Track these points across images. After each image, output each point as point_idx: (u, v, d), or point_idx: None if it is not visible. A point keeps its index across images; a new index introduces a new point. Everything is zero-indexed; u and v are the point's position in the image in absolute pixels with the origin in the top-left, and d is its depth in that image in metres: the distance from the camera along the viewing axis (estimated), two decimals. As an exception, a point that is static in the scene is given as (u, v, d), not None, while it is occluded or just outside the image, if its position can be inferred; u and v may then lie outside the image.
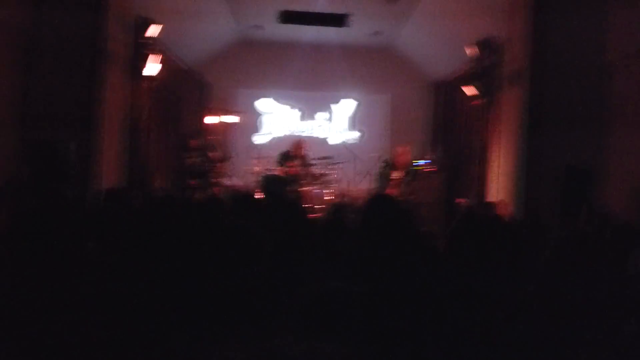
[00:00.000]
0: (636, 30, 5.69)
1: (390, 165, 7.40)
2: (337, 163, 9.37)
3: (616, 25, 6.05)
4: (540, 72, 6.23)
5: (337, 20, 7.13)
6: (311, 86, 10.81)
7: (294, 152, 8.00)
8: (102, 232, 2.89)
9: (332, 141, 10.58)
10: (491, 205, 5.81)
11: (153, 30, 7.02)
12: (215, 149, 8.71)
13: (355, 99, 11.22)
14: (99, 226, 2.97)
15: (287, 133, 11.14)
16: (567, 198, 5.68)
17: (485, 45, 7.16)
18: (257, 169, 9.35)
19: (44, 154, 5.56)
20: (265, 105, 11.28)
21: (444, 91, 10.57)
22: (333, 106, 11.32)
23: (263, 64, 10.84)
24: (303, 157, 8.06)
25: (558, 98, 6.19)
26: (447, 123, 10.23)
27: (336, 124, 11.35)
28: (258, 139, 11.02)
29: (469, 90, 7.56)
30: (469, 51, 7.50)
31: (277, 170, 8.06)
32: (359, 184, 8.42)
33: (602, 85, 6.18)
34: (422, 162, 7.50)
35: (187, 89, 10.17)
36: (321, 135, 11.17)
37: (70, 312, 1.64)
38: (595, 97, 6.19)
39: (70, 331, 1.57)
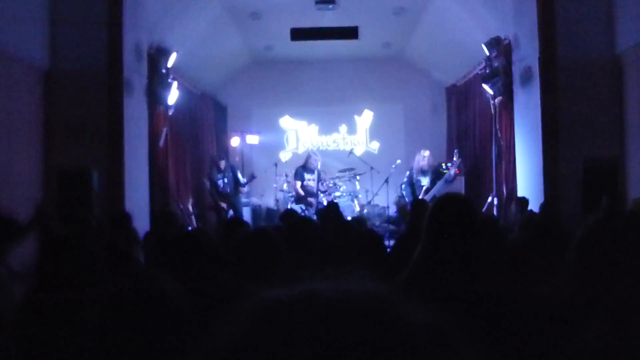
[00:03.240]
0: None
1: (417, 172, 7.42)
2: (360, 174, 9.55)
3: (622, 16, 6.04)
4: (551, 70, 6.22)
5: (348, 33, 7.23)
6: (325, 101, 10.94)
7: (309, 165, 8.09)
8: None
9: (357, 152, 10.68)
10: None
11: (167, 58, 7.24)
12: (241, 170, 8.84)
13: (370, 109, 11.33)
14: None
15: (308, 148, 11.28)
16: (587, 192, 5.61)
17: (494, 45, 7.18)
18: (285, 186, 9.54)
19: (69, 183, 5.75)
20: (283, 122, 11.45)
21: (457, 96, 10.59)
22: (349, 119, 11.43)
23: (276, 83, 11.04)
24: (318, 170, 8.17)
25: (571, 94, 6.16)
26: (461, 126, 10.22)
27: (355, 135, 11.45)
28: (280, 156, 11.15)
29: (485, 91, 7.58)
30: (478, 52, 7.53)
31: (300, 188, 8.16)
32: (378, 194, 8.46)
33: (614, 78, 6.16)
34: (450, 164, 7.53)
35: (204, 112, 10.39)
36: (342, 148, 11.27)
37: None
38: (610, 90, 6.17)
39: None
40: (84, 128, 6.13)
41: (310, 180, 8.02)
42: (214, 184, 8.28)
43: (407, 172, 7.63)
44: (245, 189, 9.49)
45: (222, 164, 8.24)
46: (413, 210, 4.46)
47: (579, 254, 1.94)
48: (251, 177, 8.59)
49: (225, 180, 8.21)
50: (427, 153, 7.47)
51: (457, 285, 1.78)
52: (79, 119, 6.13)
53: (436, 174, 7.35)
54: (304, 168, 8.07)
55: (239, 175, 8.46)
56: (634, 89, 5.96)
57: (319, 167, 8.22)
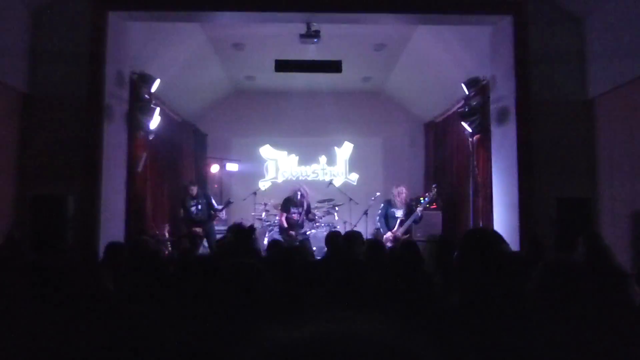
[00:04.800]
0: (613, 68, 5.93)
1: (391, 204, 7.54)
2: (339, 205, 9.62)
3: (594, 64, 6.32)
4: (526, 110, 6.43)
5: (331, 66, 7.37)
6: (305, 132, 11.03)
7: (295, 198, 8.14)
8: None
9: (336, 183, 10.72)
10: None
11: (151, 84, 7.24)
12: (213, 197, 8.76)
13: (349, 141, 11.46)
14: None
15: (287, 178, 11.32)
16: (561, 230, 5.74)
17: (472, 85, 7.39)
18: (264, 215, 9.51)
19: (42, 208, 5.62)
20: (264, 152, 11.48)
21: (435, 131, 10.80)
22: (329, 150, 11.53)
23: (257, 113, 11.12)
24: (305, 203, 8.20)
25: (546, 135, 6.37)
26: (439, 161, 10.40)
27: (334, 166, 11.54)
28: (259, 185, 11.13)
29: (463, 128, 7.76)
30: (456, 90, 7.74)
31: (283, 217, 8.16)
32: (357, 225, 8.48)
33: (587, 121, 6.40)
34: (426, 199, 7.65)
35: (183, 139, 10.35)
36: (321, 178, 11.33)
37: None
38: (583, 133, 6.40)
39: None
40: (62, 152, 6.06)
41: (295, 213, 8.08)
42: (186, 210, 8.18)
43: (382, 204, 7.74)
44: (222, 215, 9.40)
45: (194, 190, 8.16)
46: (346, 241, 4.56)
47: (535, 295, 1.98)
48: (227, 203, 8.57)
49: (199, 207, 8.14)
50: (401, 189, 7.59)
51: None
52: (57, 142, 6.06)
53: (409, 209, 7.49)
54: (289, 201, 8.12)
55: (213, 202, 8.41)
56: (606, 134, 6.19)
57: (308, 202, 8.29)
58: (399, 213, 7.48)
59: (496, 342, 1.73)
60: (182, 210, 8.38)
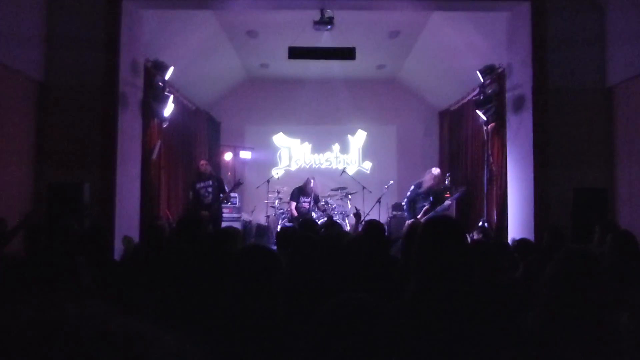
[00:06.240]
0: (634, 55, 5.79)
1: (421, 189, 7.27)
2: (352, 193, 9.61)
3: (614, 51, 6.18)
4: (543, 98, 6.32)
5: (345, 53, 7.28)
6: (319, 120, 11.01)
7: (306, 189, 8.16)
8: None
9: (349, 171, 10.69)
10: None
11: (165, 72, 7.26)
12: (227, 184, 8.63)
13: (363, 130, 11.42)
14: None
15: (300, 166, 11.34)
16: (577, 220, 5.67)
17: (488, 72, 7.29)
18: (277, 203, 9.53)
19: (59, 195, 5.70)
20: (277, 140, 11.49)
21: (449, 120, 10.70)
22: (342, 138, 11.50)
23: (270, 101, 11.11)
24: (315, 193, 8.25)
25: (563, 123, 6.26)
26: (453, 150, 10.31)
27: (348, 154, 11.52)
28: (272, 173, 11.15)
29: (477, 116, 7.67)
30: (472, 78, 7.64)
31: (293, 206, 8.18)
32: (370, 214, 8.46)
33: (605, 109, 6.28)
34: (458, 194, 7.43)
35: (197, 127, 10.39)
36: (334, 166, 11.32)
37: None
38: (600, 121, 6.28)
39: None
40: (78, 140, 6.11)
41: (305, 202, 8.13)
42: (195, 192, 7.81)
43: (412, 187, 7.47)
44: (236, 202, 9.39)
45: (206, 167, 7.78)
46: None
47: (551, 285, 1.96)
48: (237, 184, 8.15)
49: (209, 189, 7.78)
50: (437, 171, 7.34)
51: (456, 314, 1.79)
52: (73, 130, 6.11)
53: (437, 199, 7.21)
54: (300, 191, 8.16)
55: (225, 185, 8.07)
56: (624, 122, 6.07)
57: (317, 192, 8.34)
58: (426, 200, 7.23)
59: (449, 332, 1.75)
60: (190, 194, 8.05)
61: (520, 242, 4.21)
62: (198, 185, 7.83)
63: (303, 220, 5.31)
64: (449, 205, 7.23)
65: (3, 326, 0.49)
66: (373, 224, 3.88)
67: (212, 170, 8.12)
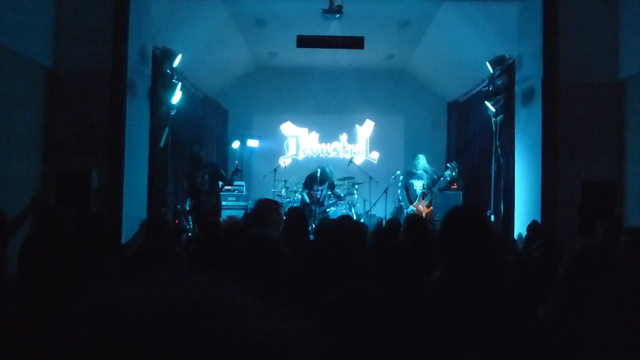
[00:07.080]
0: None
1: (410, 175, 7.51)
2: (359, 183, 9.62)
3: (628, 43, 6.09)
4: (553, 91, 6.26)
5: (354, 42, 7.23)
6: (327, 109, 10.98)
7: (321, 178, 8.22)
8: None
9: (356, 161, 10.73)
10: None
11: (173, 59, 7.25)
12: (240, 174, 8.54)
13: (371, 120, 11.38)
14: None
15: (308, 155, 11.34)
16: (584, 215, 5.63)
17: (497, 64, 7.22)
18: (284, 192, 9.56)
19: (68, 182, 5.74)
20: (284, 129, 11.48)
21: (458, 111, 10.63)
22: (350, 128, 11.48)
23: (278, 90, 11.08)
24: (330, 181, 8.35)
25: (573, 116, 6.20)
26: (461, 142, 10.26)
27: (355, 144, 11.51)
28: (280, 162, 11.17)
29: (486, 108, 7.62)
30: (481, 70, 7.57)
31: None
32: (376, 204, 8.49)
33: (616, 103, 6.20)
34: (449, 171, 7.58)
35: (205, 115, 10.39)
36: (342, 156, 11.32)
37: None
38: (611, 115, 6.21)
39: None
40: (86, 127, 6.14)
41: (318, 190, 8.21)
42: (191, 181, 7.57)
43: (401, 176, 7.71)
44: (242, 190, 9.39)
45: (203, 156, 7.68)
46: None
47: (565, 280, 1.97)
48: (235, 171, 7.93)
49: (206, 176, 7.53)
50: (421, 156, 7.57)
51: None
52: (81, 117, 6.14)
53: (432, 181, 7.45)
54: (312, 179, 8.25)
55: (221, 171, 7.90)
56: (636, 116, 5.99)
57: (333, 179, 8.48)
58: (419, 184, 7.41)
59: (474, 316, 1.76)
60: (186, 183, 7.79)
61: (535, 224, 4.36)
62: (193, 174, 7.60)
63: (291, 210, 4.84)
64: (446, 183, 7.38)
65: (148, 297, 0.51)
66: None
67: (206, 157, 7.91)
